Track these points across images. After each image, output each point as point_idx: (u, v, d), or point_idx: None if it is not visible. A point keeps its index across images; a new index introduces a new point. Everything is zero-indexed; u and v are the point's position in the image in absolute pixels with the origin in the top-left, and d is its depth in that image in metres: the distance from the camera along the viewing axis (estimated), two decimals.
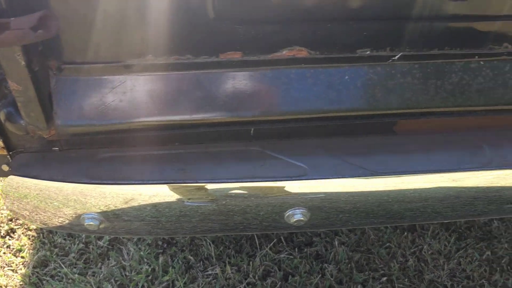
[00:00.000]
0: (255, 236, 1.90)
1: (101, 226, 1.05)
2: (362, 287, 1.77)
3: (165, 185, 1.00)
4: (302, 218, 1.03)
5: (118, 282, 1.76)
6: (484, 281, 1.80)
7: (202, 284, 1.75)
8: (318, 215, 1.06)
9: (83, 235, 1.92)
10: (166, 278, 1.75)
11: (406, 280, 1.80)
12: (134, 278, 1.75)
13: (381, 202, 1.05)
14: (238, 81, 0.93)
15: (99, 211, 1.02)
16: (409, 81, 0.95)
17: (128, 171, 1.01)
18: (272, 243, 1.88)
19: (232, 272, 1.78)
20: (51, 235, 1.93)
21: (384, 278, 1.79)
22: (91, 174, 1.00)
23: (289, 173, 1.01)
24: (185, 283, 1.74)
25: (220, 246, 1.88)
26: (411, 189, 1.04)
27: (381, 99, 0.96)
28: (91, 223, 1.03)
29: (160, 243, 1.90)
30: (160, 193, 1.01)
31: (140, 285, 1.73)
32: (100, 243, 1.89)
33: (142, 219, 1.02)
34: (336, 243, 1.90)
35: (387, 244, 1.92)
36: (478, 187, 1.05)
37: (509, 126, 1.08)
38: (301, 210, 1.03)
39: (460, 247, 1.92)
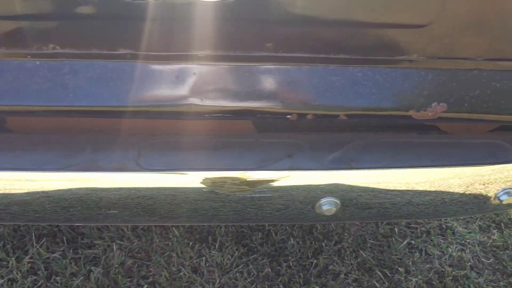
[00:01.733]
0: (34, 234, 1.91)
1: None
2: None
3: None
4: None
5: None
6: None
7: None
8: None
9: None
10: None
11: None
12: None
13: None
14: None
15: None
16: None
17: None
18: (50, 242, 1.89)
19: None
20: None
21: (146, 286, 1.77)
22: None
23: None
24: None
25: (1, 241, 1.90)
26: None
27: None
28: None
29: None
30: None
31: None
32: None
33: None
34: (115, 247, 1.88)
35: (169, 252, 1.89)
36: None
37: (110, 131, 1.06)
38: None
39: (242, 261, 1.87)
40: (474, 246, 2.00)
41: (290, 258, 1.90)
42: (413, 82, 1.01)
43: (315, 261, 1.89)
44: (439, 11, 0.93)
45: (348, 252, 1.94)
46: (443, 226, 2.09)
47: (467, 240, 2.02)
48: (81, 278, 1.77)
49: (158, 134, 1.04)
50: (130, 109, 1.01)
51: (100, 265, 1.83)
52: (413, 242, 2.00)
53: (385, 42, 1.01)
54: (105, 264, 1.84)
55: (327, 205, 1.08)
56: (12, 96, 0.99)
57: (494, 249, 2.00)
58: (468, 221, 2.10)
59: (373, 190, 1.08)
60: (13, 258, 1.80)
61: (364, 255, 1.93)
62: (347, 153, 1.07)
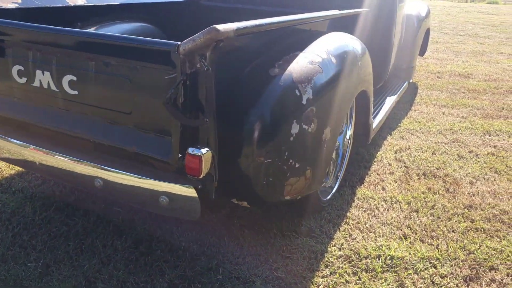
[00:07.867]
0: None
1: None
2: None
3: None
4: None
5: None
6: None
7: None
8: None
9: None
10: None
11: None
12: None
13: None
14: None
15: None
16: None
17: None
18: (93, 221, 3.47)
19: None
20: None
21: None
22: None
23: None
24: None
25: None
26: None
27: None
28: None
29: None
30: None
31: None
32: None
33: None
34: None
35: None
36: None
37: None
38: None
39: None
40: None
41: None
42: (126, 135, 2.25)
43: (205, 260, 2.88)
44: (134, 107, 2.21)
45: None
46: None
47: None
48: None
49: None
50: None
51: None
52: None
53: (118, 120, 2.30)
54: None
55: (97, 182, 2.33)
56: None
57: None
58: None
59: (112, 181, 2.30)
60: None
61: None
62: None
